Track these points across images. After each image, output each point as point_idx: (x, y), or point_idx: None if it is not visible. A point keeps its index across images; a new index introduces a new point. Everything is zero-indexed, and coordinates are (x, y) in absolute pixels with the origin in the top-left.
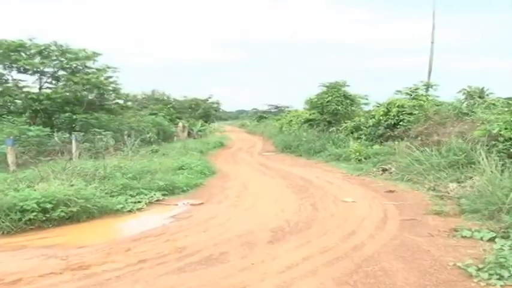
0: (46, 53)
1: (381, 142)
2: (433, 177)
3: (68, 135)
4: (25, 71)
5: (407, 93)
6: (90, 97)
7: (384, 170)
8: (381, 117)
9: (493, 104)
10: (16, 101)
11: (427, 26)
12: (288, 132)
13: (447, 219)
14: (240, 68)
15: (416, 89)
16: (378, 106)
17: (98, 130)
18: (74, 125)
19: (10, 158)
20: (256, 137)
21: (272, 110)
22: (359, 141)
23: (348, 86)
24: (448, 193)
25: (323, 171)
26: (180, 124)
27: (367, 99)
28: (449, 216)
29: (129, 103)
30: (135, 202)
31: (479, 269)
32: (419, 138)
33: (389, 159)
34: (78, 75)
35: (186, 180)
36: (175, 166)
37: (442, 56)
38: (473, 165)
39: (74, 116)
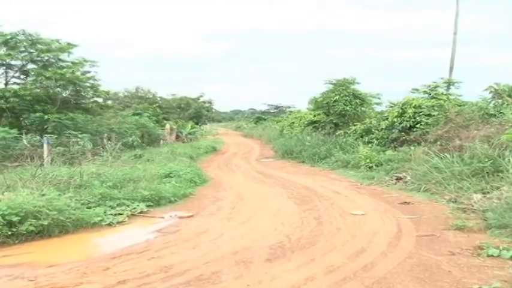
0: (13, 43)
1: (395, 147)
2: (454, 187)
3: (38, 137)
4: None
5: (425, 92)
6: (64, 94)
7: (398, 179)
8: (395, 119)
9: None
10: None
11: (450, 14)
12: (289, 135)
13: (470, 236)
14: (235, 63)
15: (436, 86)
16: (392, 106)
17: (74, 132)
18: (45, 127)
19: None
20: (254, 141)
21: (271, 111)
22: (370, 146)
23: (357, 83)
24: (472, 205)
25: (329, 180)
26: (168, 126)
27: (379, 98)
28: (473, 232)
29: (110, 102)
30: (115, 214)
31: None
32: (438, 142)
33: (404, 166)
34: (50, 69)
35: (173, 189)
36: (162, 174)
37: (466, 48)
38: (500, 174)
39: (46, 116)
